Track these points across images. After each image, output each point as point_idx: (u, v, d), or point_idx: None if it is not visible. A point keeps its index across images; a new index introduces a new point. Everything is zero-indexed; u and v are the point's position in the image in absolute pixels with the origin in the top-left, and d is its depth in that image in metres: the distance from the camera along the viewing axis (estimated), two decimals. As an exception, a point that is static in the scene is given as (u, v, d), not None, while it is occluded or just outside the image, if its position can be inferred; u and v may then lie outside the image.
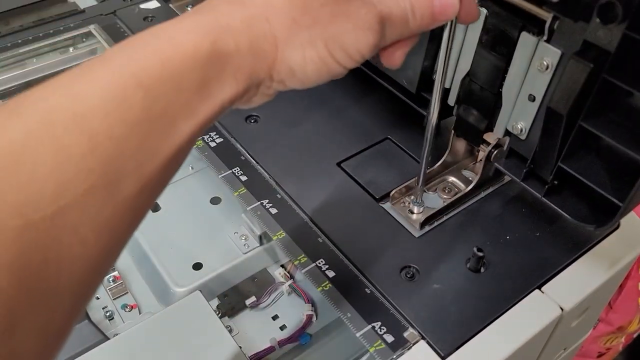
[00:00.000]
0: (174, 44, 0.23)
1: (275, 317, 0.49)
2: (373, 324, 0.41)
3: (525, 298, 0.43)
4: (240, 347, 0.42)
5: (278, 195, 0.50)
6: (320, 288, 0.43)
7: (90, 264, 0.21)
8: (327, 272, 0.44)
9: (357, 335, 0.40)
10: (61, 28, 0.68)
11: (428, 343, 0.40)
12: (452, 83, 0.46)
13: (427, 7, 0.28)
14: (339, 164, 0.53)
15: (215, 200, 0.56)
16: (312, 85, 0.28)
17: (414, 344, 0.40)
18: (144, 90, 0.22)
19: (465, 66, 0.44)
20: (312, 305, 0.49)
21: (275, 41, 0.25)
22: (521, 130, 0.42)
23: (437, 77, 0.38)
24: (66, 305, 0.21)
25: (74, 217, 0.20)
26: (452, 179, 0.51)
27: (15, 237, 0.18)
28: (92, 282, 0.22)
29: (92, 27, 0.69)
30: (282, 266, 0.53)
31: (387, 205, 0.49)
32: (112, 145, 0.21)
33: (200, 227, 0.54)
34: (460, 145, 0.50)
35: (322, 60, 0.26)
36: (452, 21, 0.35)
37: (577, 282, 0.44)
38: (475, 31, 0.42)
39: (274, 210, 0.49)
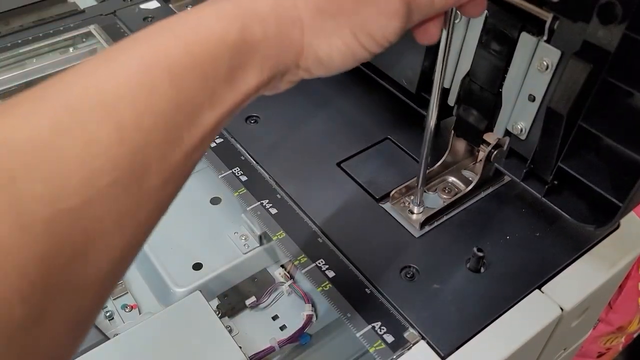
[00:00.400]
0: (200, 31, 0.23)
1: (275, 317, 0.49)
2: (373, 324, 0.41)
3: (525, 298, 0.43)
4: (240, 347, 0.42)
5: (278, 196, 0.50)
6: (320, 288, 0.43)
7: (115, 255, 0.21)
8: (327, 272, 0.44)
9: (357, 335, 0.40)
10: (61, 28, 0.68)
11: (428, 343, 0.40)
12: (452, 83, 0.46)
13: None
14: (338, 164, 0.53)
15: (215, 201, 0.56)
16: (338, 72, 0.28)
17: (414, 344, 0.40)
18: (171, 78, 0.21)
19: (465, 66, 0.44)
20: (312, 306, 0.49)
21: (302, 30, 0.25)
22: (521, 131, 0.42)
23: (436, 77, 0.38)
24: (92, 296, 0.21)
25: (100, 208, 0.19)
26: (452, 179, 0.51)
27: (44, 228, 0.18)
28: (116, 272, 0.22)
29: (92, 27, 0.69)
30: (282, 266, 0.53)
31: (387, 206, 0.49)
32: (140, 136, 0.20)
33: (200, 227, 0.54)
34: (460, 145, 0.50)
35: (348, 47, 0.26)
36: (450, 20, 0.35)
37: (577, 282, 0.44)
38: (475, 31, 0.42)
39: (274, 211, 0.49)
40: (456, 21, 0.42)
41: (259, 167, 0.53)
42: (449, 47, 0.37)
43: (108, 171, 0.20)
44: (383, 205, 0.49)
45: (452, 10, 0.33)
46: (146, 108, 0.21)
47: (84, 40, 0.69)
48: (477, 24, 0.41)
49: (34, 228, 0.18)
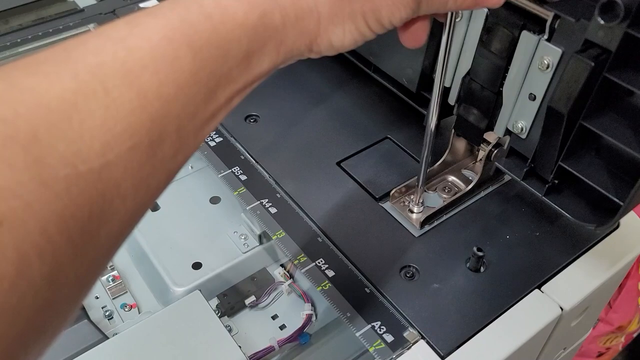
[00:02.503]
0: (225, 10, 0.23)
1: (274, 317, 0.49)
2: (373, 324, 0.41)
3: (525, 298, 0.43)
4: (240, 347, 0.42)
5: (278, 195, 0.50)
6: (320, 287, 0.43)
7: (126, 219, 0.21)
8: (326, 271, 0.44)
9: (357, 334, 0.40)
10: (60, 27, 0.68)
11: (428, 343, 0.40)
12: (452, 82, 0.46)
13: None
14: (338, 164, 0.53)
15: (214, 200, 0.56)
16: (344, 51, 0.29)
17: (413, 344, 0.40)
18: (194, 53, 0.22)
19: (465, 65, 0.44)
20: (311, 305, 0.49)
21: (319, 17, 0.26)
22: (522, 130, 0.42)
23: (437, 76, 0.38)
24: (101, 258, 0.21)
25: (118, 172, 0.20)
26: (452, 178, 0.51)
27: (65, 187, 0.18)
28: (124, 236, 0.22)
29: (91, 27, 0.69)
30: (282, 266, 0.53)
31: (386, 205, 0.49)
32: (160, 105, 0.21)
33: (200, 226, 0.54)
34: (461, 144, 0.50)
35: (358, 31, 0.27)
36: (450, 19, 0.35)
37: (577, 282, 0.44)
38: (475, 30, 0.42)
39: (273, 210, 0.49)
40: (457, 20, 0.42)
41: (258, 166, 0.53)
42: (450, 46, 0.37)
43: (128, 137, 0.20)
44: (383, 205, 0.49)
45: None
46: (167, 78, 0.21)
47: (84, 39, 0.69)
48: (478, 23, 0.41)
49: (56, 186, 0.18)
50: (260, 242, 0.52)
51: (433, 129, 0.41)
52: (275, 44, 0.25)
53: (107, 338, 0.44)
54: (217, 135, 0.56)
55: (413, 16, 0.28)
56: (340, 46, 0.28)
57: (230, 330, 0.46)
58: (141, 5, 0.71)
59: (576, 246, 0.46)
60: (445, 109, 0.48)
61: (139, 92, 0.20)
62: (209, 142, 0.55)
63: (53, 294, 0.19)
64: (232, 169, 0.52)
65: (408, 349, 0.40)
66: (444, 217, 0.48)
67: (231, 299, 0.49)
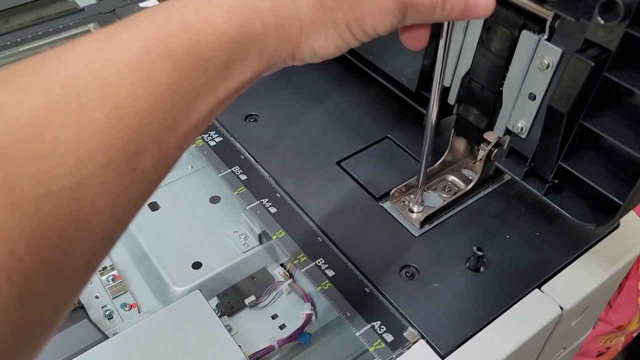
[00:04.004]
0: (205, 20, 0.23)
1: (274, 316, 0.49)
2: (372, 323, 0.41)
3: (525, 297, 0.43)
4: (240, 346, 0.42)
5: (277, 195, 0.50)
6: (320, 287, 0.43)
7: (104, 236, 0.21)
8: (326, 271, 0.44)
9: (357, 334, 0.40)
10: (60, 27, 0.68)
11: (427, 342, 0.40)
12: (452, 82, 0.46)
13: (460, 2, 0.28)
14: (338, 163, 0.53)
15: (214, 199, 0.56)
16: (328, 59, 0.28)
17: (413, 343, 0.40)
18: (172, 64, 0.21)
19: (465, 65, 0.44)
20: (311, 305, 0.49)
21: (301, 24, 0.25)
22: (521, 129, 0.42)
23: (437, 71, 0.38)
24: (78, 275, 0.21)
25: (93, 189, 0.19)
26: (452, 178, 0.51)
27: (35, 208, 0.18)
28: (103, 252, 0.22)
29: (91, 26, 0.69)
30: (282, 265, 0.53)
31: (386, 205, 0.49)
32: (137, 119, 0.20)
33: (200, 226, 0.54)
34: (460, 144, 0.50)
35: (342, 39, 0.27)
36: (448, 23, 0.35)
37: (577, 282, 0.44)
38: (475, 30, 0.42)
39: (273, 209, 0.49)
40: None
41: (258, 165, 0.53)
42: (449, 41, 0.36)
43: (103, 153, 0.19)
44: (383, 204, 0.49)
45: None
46: (145, 91, 0.21)
47: (84, 38, 0.69)
48: (478, 23, 0.41)
49: (25, 206, 0.18)
50: (260, 242, 0.52)
51: (434, 127, 0.41)
52: (257, 53, 0.24)
53: (107, 338, 0.44)
54: (217, 135, 0.56)
55: (399, 25, 0.28)
56: (324, 54, 0.27)
57: (230, 330, 0.46)
58: (141, 5, 0.71)
59: (576, 246, 0.46)
60: (445, 109, 0.48)
61: (114, 106, 0.20)
62: (209, 142, 0.55)
63: (25, 314, 0.18)
64: (232, 169, 0.52)
65: (408, 348, 0.40)
66: (444, 217, 0.48)
67: (231, 299, 0.49)
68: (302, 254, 0.45)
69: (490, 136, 0.46)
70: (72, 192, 0.19)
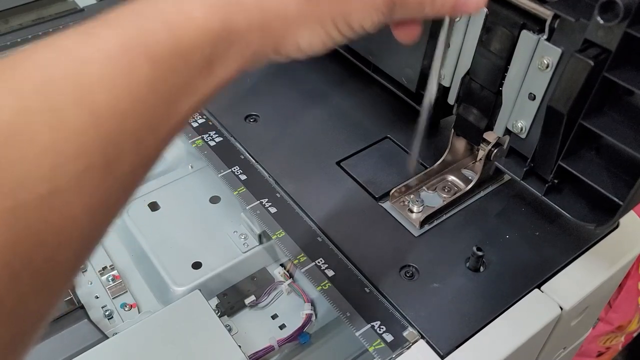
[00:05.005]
0: (185, 16, 0.22)
1: (274, 317, 0.49)
2: (372, 323, 0.41)
3: (525, 297, 0.43)
4: (240, 346, 0.42)
5: (277, 195, 0.50)
6: (320, 287, 0.43)
7: (83, 244, 0.20)
8: (326, 271, 0.44)
9: (357, 334, 0.40)
10: (60, 27, 0.68)
11: (427, 342, 0.40)
12: (452, 82, 0.46)
13: None
14: (338, 163, 0.53)
15: (214, 199, 0.56)
16: (314, 55, 0.28)
17: (413, 343, 0.40)
18: (152, 63, 0.20)
19: (465, 65, 0.44)
20: (311, 305, 0.49)
21: (286, 20, 0.25)
22: (521, 129, 0.42)
23: (438, 48, 0.36)
24: (58, 281, 0.20)
25: (70, 196, 0.18)
26: (451, 178, 0.51)
27: (6, 218, 0.17)
28: (83, 259, 0.21)
29: (91, 26, 0.69)
30: (282, 265, 0.53)
31: (386, 205, 0.49)
32: (115, 122, 0.19)
33: (200, 226, 0.54)
34: (460, 144, 0.50)
35: (328, 35, 0.26)
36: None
37: (576, 282, 0.44)
38: (475, 29, 0.42)
39: (273, 210, 0.49)
40: (456, 20, 0.42)
41: (258, 165, 0.53)
42: (450, 36, 0.36)
43: (79, 157, 0.18)
44: (382, 204, 0.49)
45: None
46: (123, 92, 0.20)
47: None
48: (477, 23, 0.41)
49: None
50: (260, 242, 0.52)
51: (431, 103, 0.38)
52: (240, 48, 0.24)
53: (107, 338, 0.44)
54: (217, 135, 0.56)
55: (387, 21, 0.27)
56: (309, 50, 0.26)
57: (230, 330, 0.46)
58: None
59: (576, 246, 0.46)
60: (445, 109, 0.48)
61: (91, 109, 0.19)
62: (209, 142, 0.55)
63: (7, 329, 0.18)
64: (232, 169, 0.52)
65: (408, 348, 0.40)
66: (444, 217, 0.48)
67: (231, 299, 0.49)
68: (302, 254, 0.45)
69: (490, 136, 0.46)
70: (48, 200, 0.18)
